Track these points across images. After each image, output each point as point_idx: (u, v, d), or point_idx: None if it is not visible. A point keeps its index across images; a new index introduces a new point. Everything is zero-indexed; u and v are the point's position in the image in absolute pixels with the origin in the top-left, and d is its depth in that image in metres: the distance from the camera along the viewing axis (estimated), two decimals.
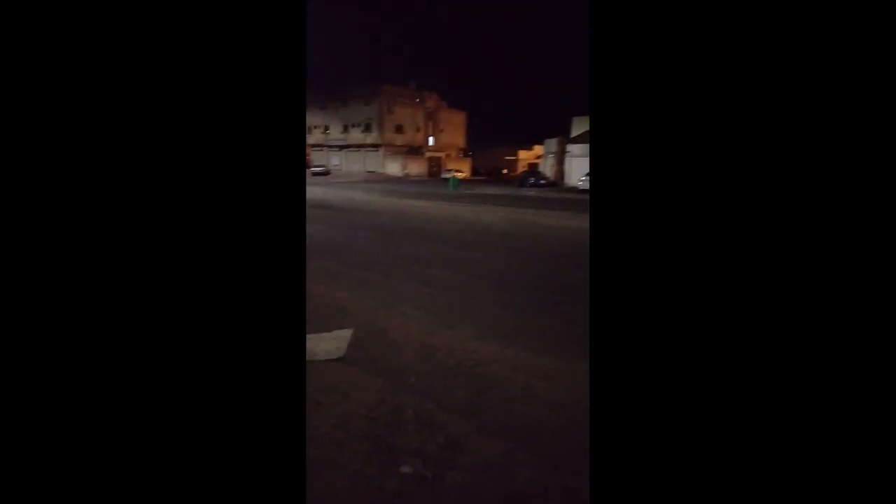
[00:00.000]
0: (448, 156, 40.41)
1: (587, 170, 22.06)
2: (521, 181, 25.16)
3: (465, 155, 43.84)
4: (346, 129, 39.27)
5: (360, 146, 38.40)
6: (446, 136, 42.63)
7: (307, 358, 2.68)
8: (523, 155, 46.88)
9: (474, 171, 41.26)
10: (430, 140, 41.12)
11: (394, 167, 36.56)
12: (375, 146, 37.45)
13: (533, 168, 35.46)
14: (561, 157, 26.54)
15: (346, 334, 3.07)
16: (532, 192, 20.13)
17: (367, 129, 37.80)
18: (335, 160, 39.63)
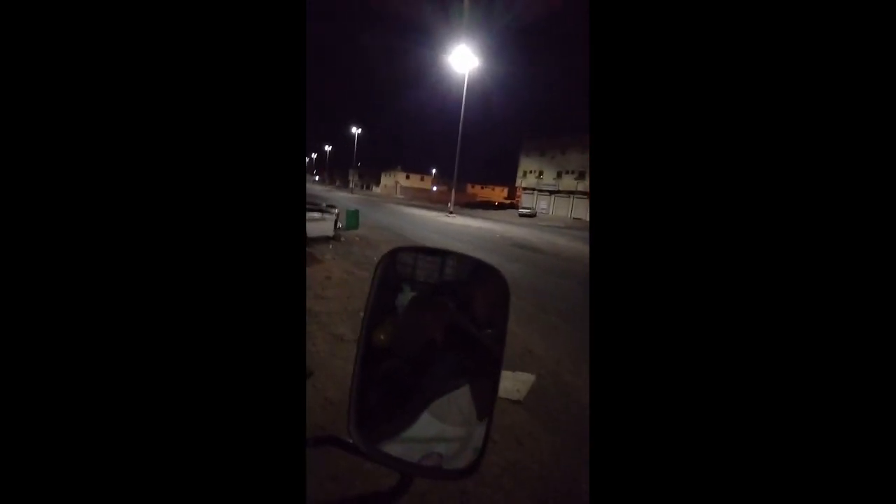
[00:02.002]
0: None
1: None
2: None
3: None
4: (559, 175, 40.02)
5: (570, 192, 38.43)
6: None
7: None
8: None
9: None
10: None
11: None
12: (585, 194, 36.78)
13: None
14: None
15: (527, 378, 3.02)
16: None
17: (581, 176, 37.57)
18: (542, 204, 40.70)
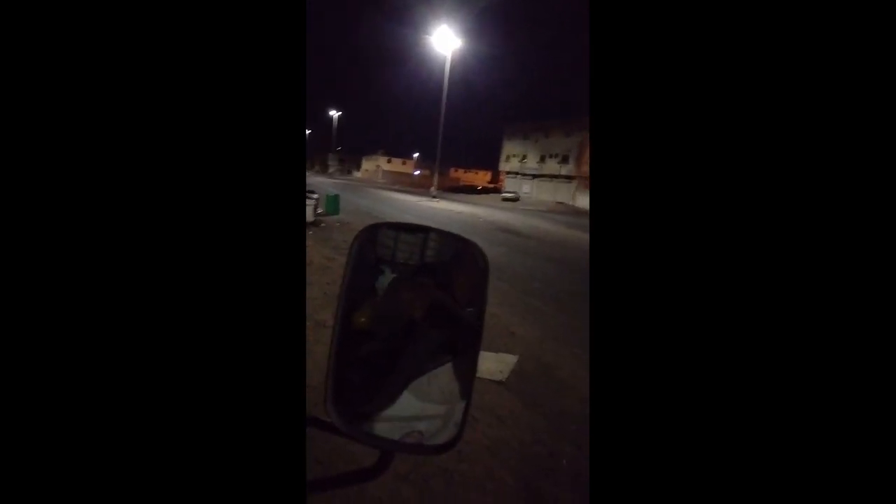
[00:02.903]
0: None
1: None
2: None
3: None
4: (543, 159, 40.09)
5: (553, 176, 38.61)
6: None
7: None
8: None
9: None
10: None
11: (585, 200, 35.36)
12: (569, 178, 37.03)
13: None
14: None
15: (510, 359, 3.08)
16: None
17: (565, 160, 37.73)
18: (526, 188, 40.83)
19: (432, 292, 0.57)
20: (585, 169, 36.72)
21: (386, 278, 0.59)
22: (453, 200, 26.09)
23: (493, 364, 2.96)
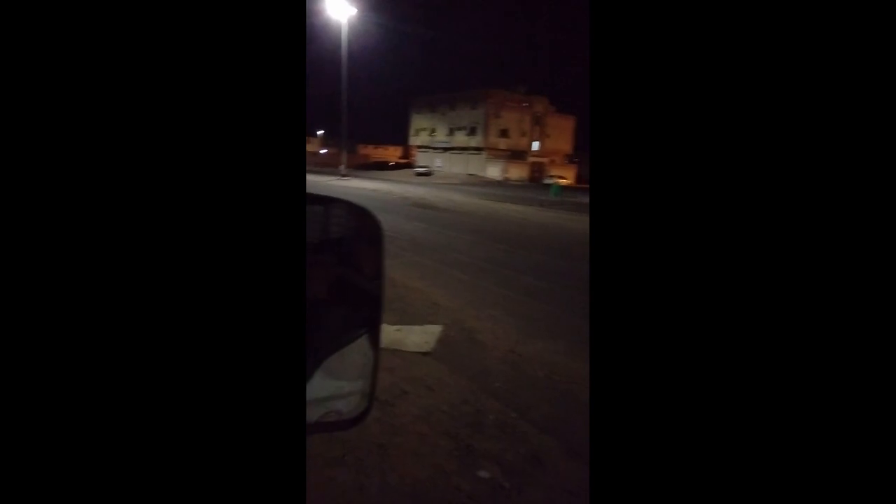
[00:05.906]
0: (552, 161, 39.28)
1: None
2: None
3: (571, 161, 42.12)
4: (451, 132, 40.46)
5: (463, 149, 39.26)
6: (552, 141, 41.40)
7: (397, 347, 2.81)
8: None
9: (580, 178, 39.48)
10: (535, 145, 40.35)
11: (494, 171, 36.68)
12: (478, 149, 37.98)
13: None
14: None
15: (435, 330, 3.16)
16: None
17: (472, 132, 38.49)
18: (438, 162, 41.08)
19: (334, 269, 0.55)
20: (493, 140, 37.90)
21: None
22: (365, 178, 25.38)
23: (418, 337, 3.01)
